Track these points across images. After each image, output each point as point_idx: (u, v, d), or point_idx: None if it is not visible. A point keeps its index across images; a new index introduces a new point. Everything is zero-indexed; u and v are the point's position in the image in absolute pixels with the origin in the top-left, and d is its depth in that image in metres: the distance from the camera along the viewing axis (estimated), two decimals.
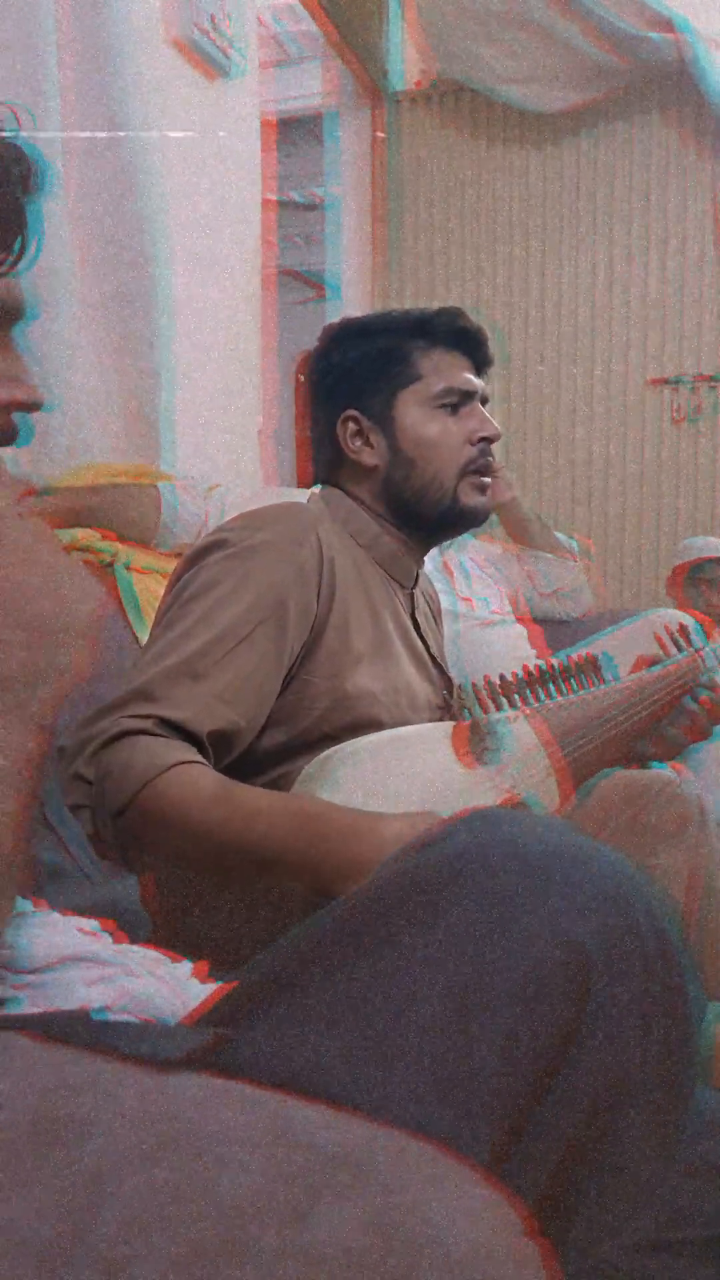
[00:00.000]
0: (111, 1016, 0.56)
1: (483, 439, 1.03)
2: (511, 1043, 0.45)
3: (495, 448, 1.08)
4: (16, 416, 0.57)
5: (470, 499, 1.04)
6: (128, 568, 1.36)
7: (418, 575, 1.12)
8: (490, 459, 1.05)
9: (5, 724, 0.45)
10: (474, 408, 1.05)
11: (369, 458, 1.04)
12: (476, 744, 0.92)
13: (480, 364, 1.08)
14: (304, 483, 1.13)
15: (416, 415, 1.03)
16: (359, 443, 1.05)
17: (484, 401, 1.08)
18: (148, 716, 0.82)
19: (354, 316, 1.14)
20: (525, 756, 0.94)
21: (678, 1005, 0.50)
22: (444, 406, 1.03)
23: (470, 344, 1.06)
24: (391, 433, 1.04)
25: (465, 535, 2.07)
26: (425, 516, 1.05)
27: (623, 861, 0.51)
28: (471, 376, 1.05)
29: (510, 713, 0.95)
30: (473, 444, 1.03)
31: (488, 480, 1.05)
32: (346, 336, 1.09)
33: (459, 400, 1.04)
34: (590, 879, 0.48)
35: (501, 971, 0.46)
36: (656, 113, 2.91)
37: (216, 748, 0.86)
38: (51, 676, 0.47)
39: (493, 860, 0.49)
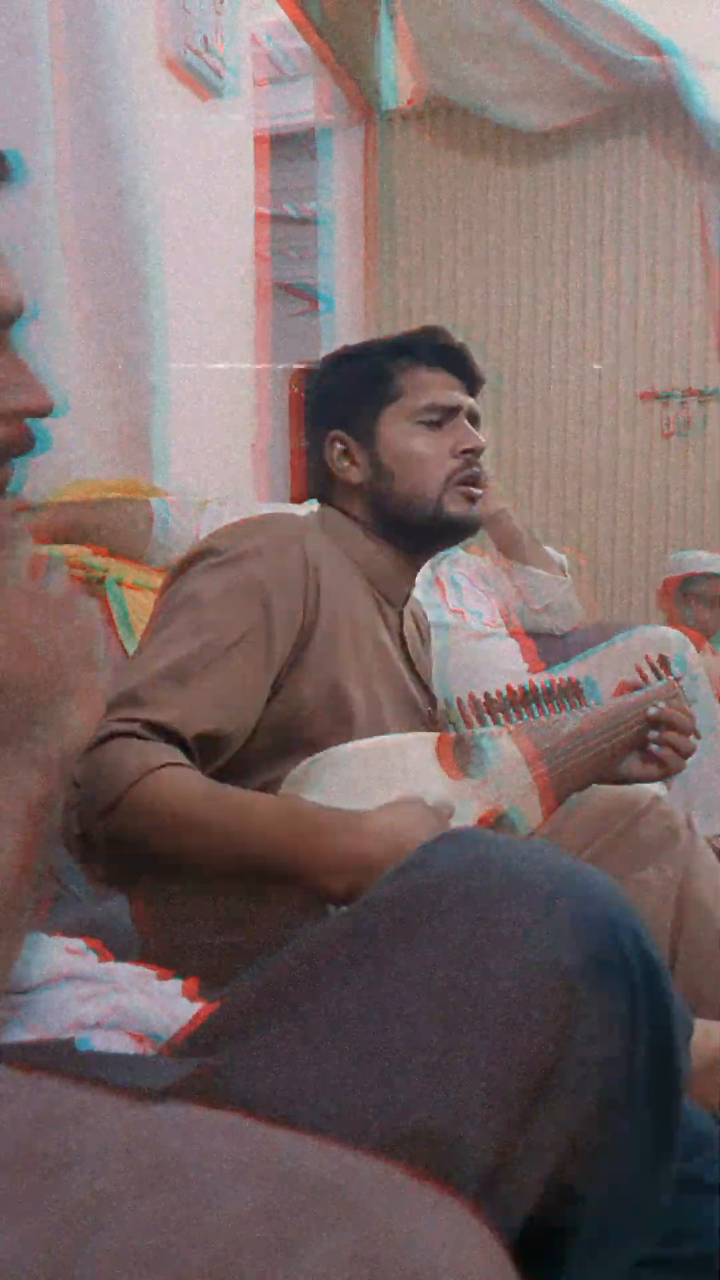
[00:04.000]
0: (104, 1032, 0.56)
1: (466, 450, 1.04)
2: (498, 1066, 0.46)
3: (485, 462, 1.09)
4: (32, 423, 0.56)
5: (457, 508, 1.05)
6: (119, 583, 1.36)
7: (408, 594, 1.13)
8: (478, 470, 1.06)
9: (4, 765, 0.46)
10: (458, 423, 1.06)
11: (354, 475, 1.06)
12: (460, 756, 0.93)
13: (469, 382, 1.09)
14: (299, 494, 1.14)
15: (398, 431, 1.05)
16: (345, 462, 1.07)
17: (474, 418, 1.08)
18: (135, 720, 0.82)
19: (347, 346, 1.16)
20: (509, 771, 0.94)
21: (662, 1026, 0.50)
22: (426, 422, 1.05)
23: (454, 362, 1.07)
24: (375, 449, 1.05)
25: (456, 550, 2.09)
26: (412, 527, 1.06)
27: (606, 883, 0.51)
28: (454, 393, 1.06)
29: (495, 729, 0.96)
30: (456, 456, 1.04)
31: (477, 491, 1.06)
32: (335, 362, 1.13)
33: (441, 416, 1.05)
34: (574, 902, 0.48)
35: (487, 995, 0.46)
36: (644, 133, 2.94)
37: (204, 752, 0.87)
38: (53, 719, 0.48)
39: (477, 884, 0.49)
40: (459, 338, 1.09)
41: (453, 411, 1.05)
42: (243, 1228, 0.32)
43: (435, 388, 1.05)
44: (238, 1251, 0.31)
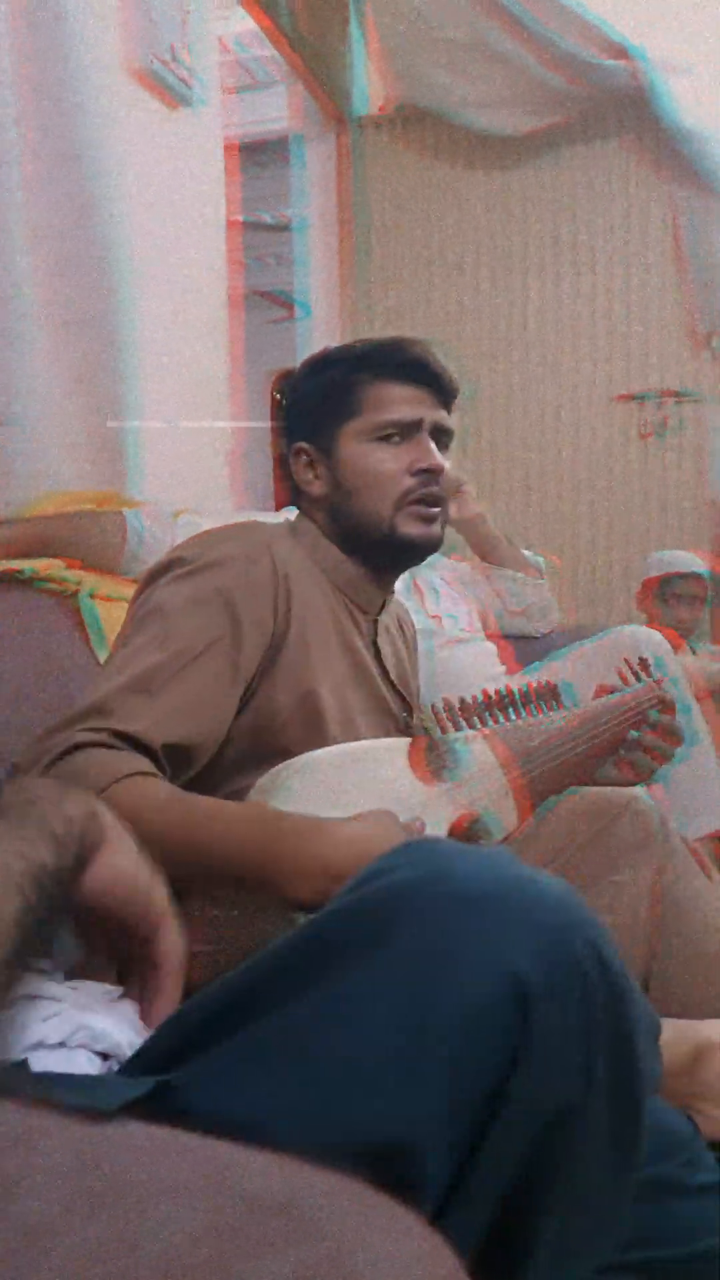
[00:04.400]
0: (67, 1051, 0.55)
1: (422, 470, 1.03)
2: (455, 1075, 0.46)
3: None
4: None
5: (409, 528, 1.03)
6: (92, 596, 1.36)
7: (384, 602, 1.13)
8: (434, 489, 1.04)
9: (21, 834, 0.49)
10: (419, 440, 1.04)
11: (316, 488, 1.06)
12: (434, 761, 0.93)
13: (439, 396, 1.06)
14: (281, 501, 1.14)
15: (355, 448, 1.04)
16: (310, 474, 1.07)
17: (443, 433, 1.06)
18: (102, 730, 0.82)
19: (326, 348, 1.14)
20: (483, 775, 0.94)
21: (623, 1033, 0.50)
22: (383, 439, 1.03)
23: (420, 375, 1.05)
24: (334, 465, 1.05)
25: (435, 555, 2.09)
26: (369, 545, 1.05)
27: (563, 890, 0.51)
28: (415, 408, 1.04)
29: (469, 733, 0.96)
30: (413, 474, 1.03)
31: (433, 511, 1.04)
32: (308, 369, 1.11)
33: (399, 432, 1.03)
34: (529, 909, 0.48)
35: (443, 1004, 0.46)
36: (615, 136, 2.96)
37: (174, 762, 0.86)
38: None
39: (433, 893, 0.49)
40: (430, 348, 1.07)
41: (412, 427, 1.03)
42: (187, 1249, 0.32)
43: (395, 403, 1.03)
44: (181, 1274, 0.31)
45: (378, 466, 1.03)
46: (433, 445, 1.04)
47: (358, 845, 0.75)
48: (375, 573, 1.08)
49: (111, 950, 0.60)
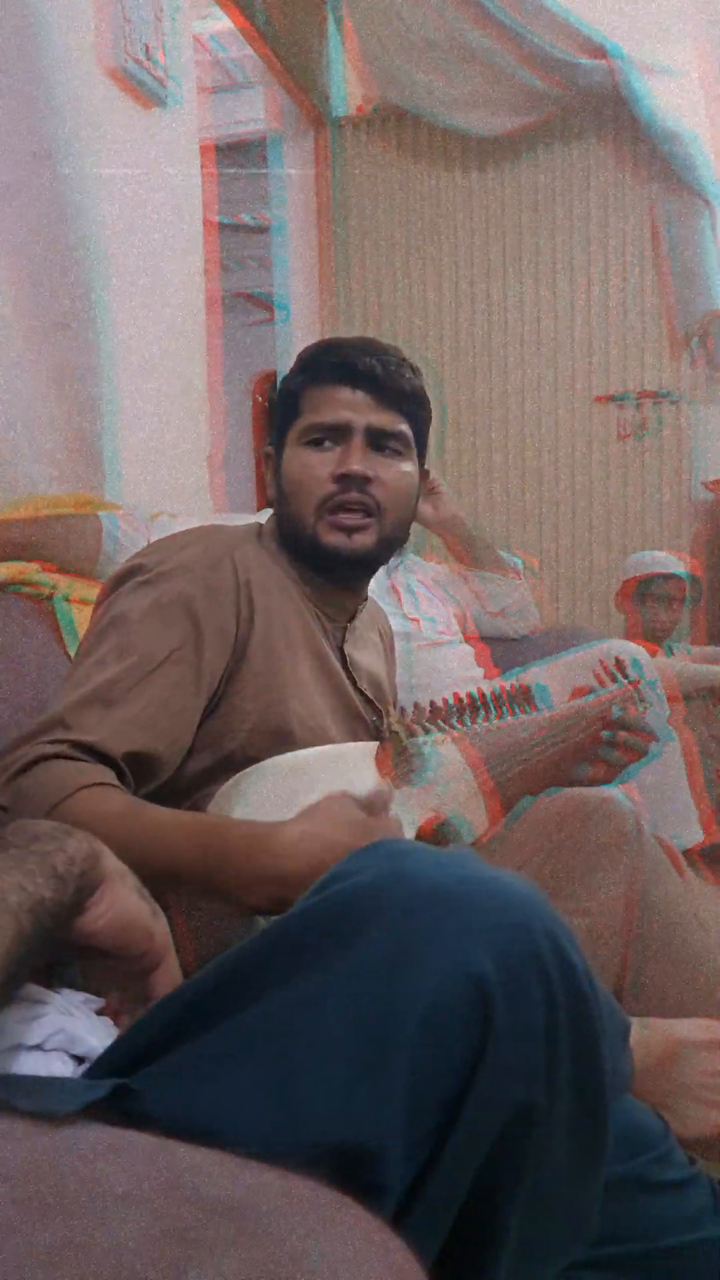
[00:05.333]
0: (44, 1054, 0.55)
1: (342, 475, 0.98)
2: (416, 1076, 0.46)
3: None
4: None
5: (329, 538, 0.99)
6: (67, 599, 1.35)
7: (356, 609, 1.12)
8: (354, 495, 0.99)
9: (23, 868, 0.51)
10: (349, 445, 0.99)
11: (271, 492, 1.06)
12: (401, 764, 0.92)
13: (382, 396, 1.00)
14: (262, 502, 1.14)
15: (289, 453, 1.02)
16: (270, 477, 1.07)
17: (381, 435, 1.00)
18: (63, 741, 0.82)
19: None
20: (452, 777, 0.94)
21: (585, 1031, 0.51)
22: (314, 443, 1.00)
23: (355, 377, 0.99)
24: (281, 469, 1.04)
25: (412, 556, 2.09)
26: (300, 554, 1.03)
27: (526, 889, 0.51)
28: (343, 411, 0.99)
29: (439, 735, 0.96)
30: (334, 480, 0.98)
31: (350, 520, 0.99)
32: (289, 372, 1.09)
33: (324, 436, 1.00)
34: (490, 910, 0.49)
35: (405, 1004, 0.46)
36: (593, 136, 2.98)
37: (136, 772, 0.86)
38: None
39: (396, 895, 0.49)
40: (370, 349, 1.01)
41: (339, 431, 0.99)
42: (136, 1252, 0.32)
43: (324, 406, 0.99)
44: (132, 1277, 0.31)
45: (301, 472, 1.00)
46: (361, 449, 0.99)
47: (305, 845, 0.74)
48: (329, 579, 1.05)
49: (108, 982, 0.61)
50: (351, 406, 0.99)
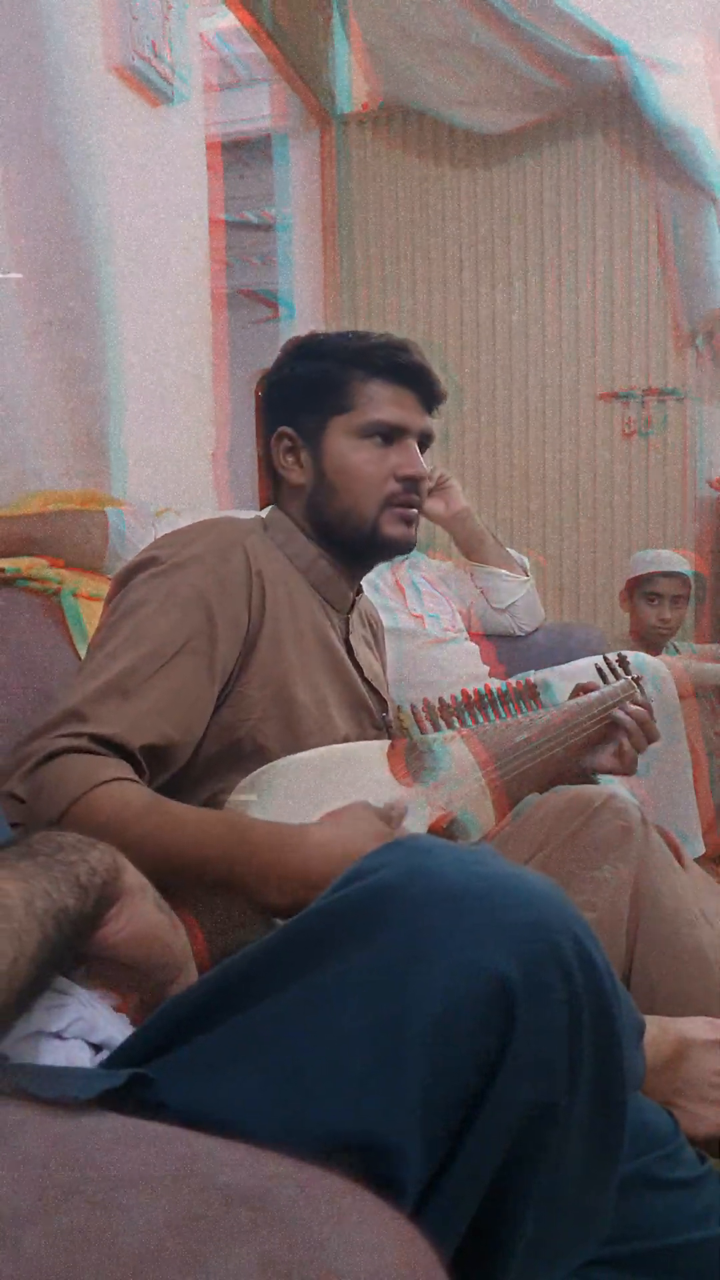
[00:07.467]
0: (64, 1042, 0.56)
1: (406, 476, 1.04)
2: (434, 1074, 0.45)
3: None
4: None
5: (392, 529, 1.05)
6: (74, 595, 1.35)
7: (355, 600, 1.13)
8: (415, 495, 1.06)
9: (49, 875, 0.51)
10: (406, 444, 1.05)
11: (296, 476, 1.06)
12: (412, 762, 0.93)
13: (426, 400, 1.07)
14: (265, 499, 1.14)
15: (344, 444, 1.04)
16: (290, 459, 1.07)
17: (427, 439, 1.08)
18: (80, 734, 0.82)
19: (315, 333, 1.13)
20: (460, 775, 0.94)
21: (606, 1030, 0.50)
22: (372, 438, 1.04)
23: (413, 380, 1.06)
24: (319, 456, 1.05)
25: (417, 554, 2.09)
26: (347, 541, 1.06)
27: (547, 887, 0.51)
28: (405, 413, 1.05)
29: (447, 733, 0.96)
30: (398, 480, 1.04)
31: (413, 513, 1.06)
32: (298, 354, 1.10)
33: (388, 434, 1.04)
34: (511, 908, 0.48)
35: (423, 1003, 0.46)
36: (599, 133, 2.97)
37: (152, 763, 0.86)
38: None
39: (415, 892, 0.49)
40: (422, 351, 1.08)
41: (401, 432, 1.05)
42: (154, 1240, 0.32)
43: (388, 405, 1.04)
44: (148, 1265, 0.31)
45: (365, 466, 1.04)
46: (418, 452, 1.06)
47: (330, 849, 0.75)
48: (347, 568, 1.09)
49: (128, 989, 0.62)
50: (414, 409, 1.06)
